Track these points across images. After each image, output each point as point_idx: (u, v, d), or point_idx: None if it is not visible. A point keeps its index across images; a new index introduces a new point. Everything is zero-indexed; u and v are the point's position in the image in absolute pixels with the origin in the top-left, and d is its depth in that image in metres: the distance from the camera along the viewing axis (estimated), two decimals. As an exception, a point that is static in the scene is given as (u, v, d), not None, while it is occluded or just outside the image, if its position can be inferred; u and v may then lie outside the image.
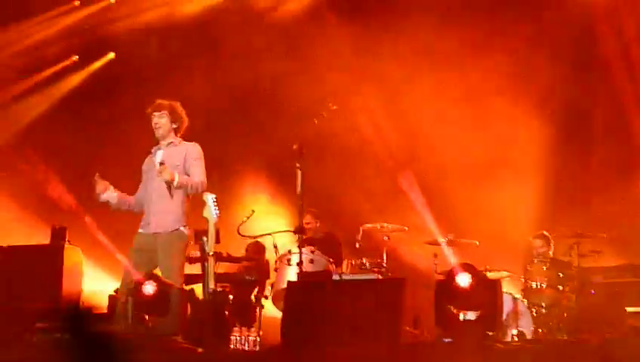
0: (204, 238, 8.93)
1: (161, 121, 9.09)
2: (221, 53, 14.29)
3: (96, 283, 12.24)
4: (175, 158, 9.02)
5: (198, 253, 9.30)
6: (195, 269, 9.69)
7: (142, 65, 14.47)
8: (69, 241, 11.22)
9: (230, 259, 11.03)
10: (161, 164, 8.84)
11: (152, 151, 9.27)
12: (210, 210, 8.85)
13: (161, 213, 8.93)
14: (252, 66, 13.87)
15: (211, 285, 8.93)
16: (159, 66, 14.45)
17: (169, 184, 8.86)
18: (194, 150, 9.14)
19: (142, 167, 9.35)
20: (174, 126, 9.17)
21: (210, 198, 8.88)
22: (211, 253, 8.93)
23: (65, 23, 14.68)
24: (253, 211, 11.18)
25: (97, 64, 15.16)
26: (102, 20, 14.88)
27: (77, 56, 15.03)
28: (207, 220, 8.88)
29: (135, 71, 14.48)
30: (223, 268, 10.88)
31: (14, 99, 14.34)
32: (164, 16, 14.62)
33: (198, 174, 9.04)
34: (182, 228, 9.01)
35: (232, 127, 14.14)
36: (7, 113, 14.19)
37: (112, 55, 15.22)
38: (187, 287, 9.51)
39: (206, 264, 8.98)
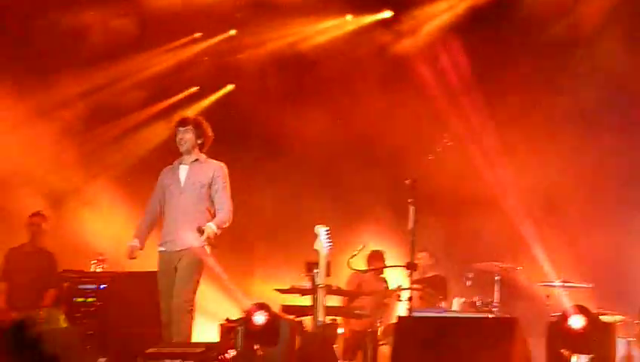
0: (315, 270, 8.94)
1: (186, 136, 8.89)
2: (341, 85, 14.30)
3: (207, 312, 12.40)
4: (201, 176, 8.87)
5: (308, 285, 9.30)
6: (305, 301, 9.72)
7: (261, 97, 14.60)
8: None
9: (340, 292, 11.04)
10: (200, 230, 8.67)
11: (174, 164, 9.12)
12: (322, 243, 8.85)
13: (188, 230, 8.72)
14: (370, 100, 13.89)
15: (321, 317, 8.92)
16: (278, 98, 14.57)
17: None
18: (222, 172, 8.97)
19: (160, 178, 9.15)
20: (199, 142, 8.99)
21: (322, 231, 8.88)
22: (322, 286, 8.92)
23: (186, 55, 14.96)
24: (364, 246, 11.17)
25: (217, 95, 15.39)
26: (222, 52, 15.13)
27: (197, 87, 15.29)
28: (318, 252, 8.88)
29: (254, 102, 14.61)
30: (334, 301, 10.91)
31: (137, 127, 14.65)
32: (286, 48, 14.73)
33: (226, 206, 8.91)
34: (206, 247, 8.84)
35: (347, 160, 14.18)
36: (130, 141, 14.51)
37: (231, 86, 15.44)
38: (297, 319, 9.55)
39: (316, 296, 8.98)
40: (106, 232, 13.07)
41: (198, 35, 14.96)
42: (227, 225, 8.92)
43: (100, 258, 11.80)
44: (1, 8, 13.11)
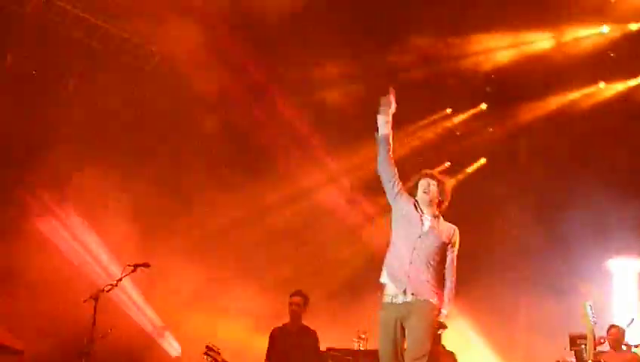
0: (583, 344, 8.76)
1: (432, 189, 8.41)
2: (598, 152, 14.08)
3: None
4: (443, 233, 8.33)
5: (573, 359, 9.14)
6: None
7: (509, 170, 14.57)
8: (444, 346, 11.33)
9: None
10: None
11: (414, 204, 8.42)
12: (588, 317, 8.68)
13: (422, 281, 8.09)
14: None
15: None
16: (527, 170, 14.48)
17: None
18: (458, 238, 8.42)
19: (401, 205, 8.43)
20: (440, 198, 8.46)
21: (587, 306, 8.72)
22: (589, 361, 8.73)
23: (438, 130, 15.14)
24: (632, 319, 10.83)
25: (469, 169, 15.45)
26: (473, 126, 15.21)
27: (449, 163, 15.41)
28: (585, 326, 8.70)
29: (502, 176, 14.60)
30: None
31: (388, 206, 14.90)
32: (537, 120, 14.64)
33: (454, 278, 8.28)
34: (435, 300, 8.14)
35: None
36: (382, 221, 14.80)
37: (483, 160, 15.45)
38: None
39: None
40: (365, 312, 13.31)
41: (449, 110, 15.12)
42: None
43: (362, 336, 11.91)
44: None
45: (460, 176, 15.43)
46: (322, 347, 11.41)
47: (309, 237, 14.57)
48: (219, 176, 13.94)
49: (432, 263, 8.16)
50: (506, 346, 13.99)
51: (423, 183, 8.45)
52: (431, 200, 8.37)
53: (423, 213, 8.40)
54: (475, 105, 15.18)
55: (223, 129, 13.97)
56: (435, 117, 15.20)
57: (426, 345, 7.92)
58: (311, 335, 11.24)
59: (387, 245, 8.28)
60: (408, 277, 8.05)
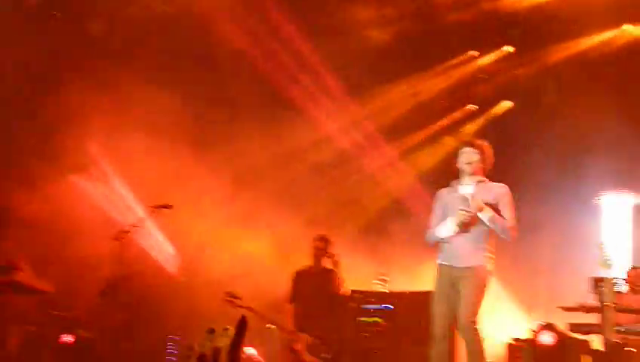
0: (603, 287, 8.70)
1: (473, 158, 8.65)
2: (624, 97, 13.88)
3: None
4: (487, 196, 8.52)
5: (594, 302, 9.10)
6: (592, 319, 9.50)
7: (537, 112, 14.46)
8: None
9: (629, 309, 10.63)
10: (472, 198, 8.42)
11: (452, 185, 8.80)
12: (603, 258, 8.63)
13: (472, 249, 8.43)
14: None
15: (610, 337, 8.66)
16: (552, 113, 14.36)
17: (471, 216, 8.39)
18: (507, 192, 8.64)
19: (439, 199, 8.80)
20: (482, 165, 8.72)
21: (605, 245, 8.66)
22: (610, 304, 8.66)
23: (462, 73, 15.07)
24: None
25: (494, 111, 15.35)
26: (500, 69, 15.08)
27: (475, 106, 15.32)
28: (601, 268, 8.66)
29: (531, 120, 14.54)
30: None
31: (411, 150, 14.92)
32: (563, 62, 14.48)
33: (511, 219, 8.51)
34: (488, 265, 8.45)
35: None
36: (404, 164, 14.79)
37: (509, 103, 15.35)
38: (584, 338, 9.33)
39: (604, 314, 8.73)
40: (388, 254, 13.35)
41: (474, 52, 15.01)
42: (500, 232, 8.62)
43: (382, 277, 11.96)
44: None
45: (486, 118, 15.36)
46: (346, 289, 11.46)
47: (333, 179, 14.57)
48: (246, 120, 13.95)
49: (484, 228, 8.40)
50: (527, 291, 13.93)
51: (464, 152, 8.67)
52: (474, 170, 8.62)
53: (460, 186, 8.68)
54: (503, 46, 15.00)
55: (249, 72, 13.91)
56: (462, 58, 15.08)
57: (476, 308, 8.21)
58: (332, 277, 11.29)
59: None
60: (459, 251, 8.39)
